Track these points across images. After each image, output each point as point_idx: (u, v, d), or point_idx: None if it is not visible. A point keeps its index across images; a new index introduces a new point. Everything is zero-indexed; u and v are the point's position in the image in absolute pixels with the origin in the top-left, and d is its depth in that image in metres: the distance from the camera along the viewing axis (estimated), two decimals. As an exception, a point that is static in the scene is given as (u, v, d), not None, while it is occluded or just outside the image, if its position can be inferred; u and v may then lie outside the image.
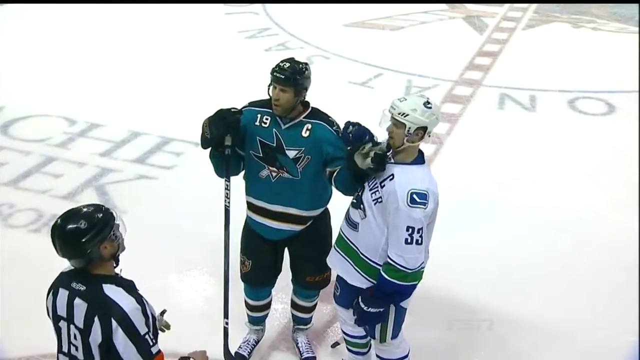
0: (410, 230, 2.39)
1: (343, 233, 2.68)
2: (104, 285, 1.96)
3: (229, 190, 2.84)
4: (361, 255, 2.59)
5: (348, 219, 2.65)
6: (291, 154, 2.68)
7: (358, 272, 2.62)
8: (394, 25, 7.68)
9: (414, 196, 2.39)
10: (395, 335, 2.70)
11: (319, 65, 6.55)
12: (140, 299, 1.99)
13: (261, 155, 2.73)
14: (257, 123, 2.72)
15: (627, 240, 3.98)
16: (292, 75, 2.60)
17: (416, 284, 2.53)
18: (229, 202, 2.86)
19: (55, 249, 1.97)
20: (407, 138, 2.44)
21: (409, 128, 2.41)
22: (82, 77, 6.27)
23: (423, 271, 2.52)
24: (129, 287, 2.01)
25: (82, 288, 1.95)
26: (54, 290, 2.03)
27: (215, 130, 2.69)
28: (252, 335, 3.21)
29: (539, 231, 4.04)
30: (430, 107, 2.44)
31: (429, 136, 2.49)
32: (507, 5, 8.23)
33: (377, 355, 2.82)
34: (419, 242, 2.41)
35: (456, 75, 6.28)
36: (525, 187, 4.48)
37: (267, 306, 3.16)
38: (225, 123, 2.68)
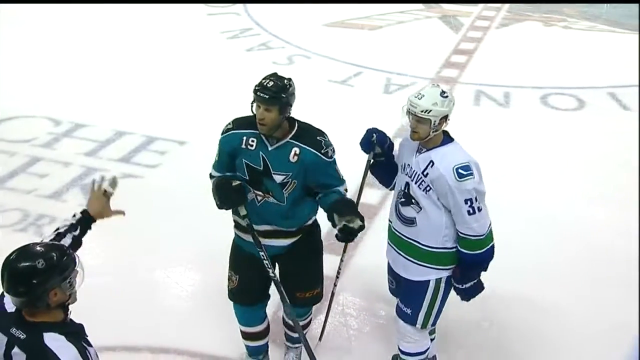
0: (469, 202, 2.46)
1: (398, 231, 2.67)
2: (45, 334, 1.77)
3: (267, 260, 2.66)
4: (424, 247, 2.59)
5: (400, 216, 2.63)
6: (278, 178, 2.53)
7: (424, 265, 2.62)
8: (373, 24, 7.68)
9: (460, 170, 2.45)
10: (434, 323, 2.74)
11: (300, 64, 6.54)
12: (83, 350, 1.80)
13: (247, 178, 2.57)
14: (244, 146, 2.55)
15: (600, 232, 3.98)
16: (276, 94, 2.44)
17: (494, 245, 2.57)
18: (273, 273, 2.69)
19: (2, 281, 1.77)
20: (434, 130, 2.48)
21: (434, 121, 2.45)
22: (66, 78, 6.18)
23: (492, 233, 2.58)
24: (74, 335, 1.83)
25: (22, 336, 1.77)
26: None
27: (226, 206, 2.60)
28: None
29: (514, 225, 4.01)
30: (447, 96, 2.49)
31: (448, 120, 2.52)
32: (481, 5, 8.27)
33: (402, 351, 2.79)
34: (480, 209, 2.47)
35: (433, 73, 6.30)
36: (502, 181, 4.51)
37: (265, 333, 2.94)
38: (231, 202, 2.56)
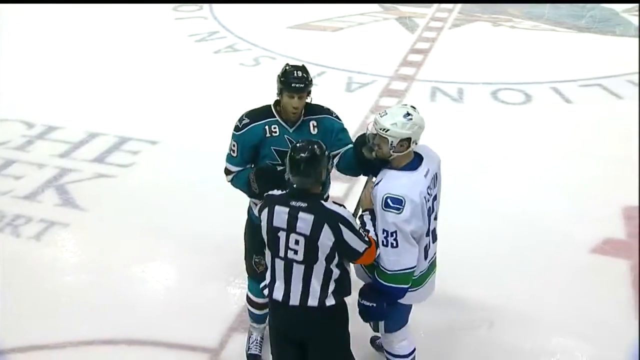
0: (385, 233, 2.32)
1: None
2: (321, 201, 2.27)
3: None
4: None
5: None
6: None
7: (363, 269, 2.55)
8: (334, 26, 7.67)
9: (388, 200, 2.30)
10: (390, 330, 2.61)
11: (266, 65, 6.48)
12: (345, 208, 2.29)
13: (280, 162, 2.55)
14: (268, 135, 2.57)
15: (554, 220, 3.96)
16: (307, 82, 2.53)
17: (403, 288, 2.40)
18: None
19: (295, 170, 2.22)
20: (393, 150, 2.35)
21: (392, 141, 2.33)
22: (38, 81, 6.02)
23: (408, 277, 2.40)
24: (333, 202, 2.31)
25: (304, 204, 2.21)
26: (268, 208, 2.26)
27: (264, 188, 2.51)
28: (258, 334, 3.02)
29: (467, 217, 3.96)
30: (410, 119, 2.34)
31: (415, 144, 2.39)
32: (434, 7, 8.33)
33: (386, 351, 2.69)
34: (394, 245, 2.31)
35: (392, 72, 6.32)
36: (457, 172, 4.56)
37: None
38: (272, 184, 2.48)
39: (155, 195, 4.25)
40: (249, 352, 3.00)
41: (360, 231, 2.27)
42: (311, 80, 2.56)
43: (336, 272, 2.26)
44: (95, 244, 3.85)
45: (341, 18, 7.88)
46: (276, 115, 2.59)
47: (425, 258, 2.50)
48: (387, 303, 2.43)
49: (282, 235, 2.23)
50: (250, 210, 2.77)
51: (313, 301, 2.25)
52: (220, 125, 5.14)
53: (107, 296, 3.39)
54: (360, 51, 6.87)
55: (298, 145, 2.28)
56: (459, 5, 8.41)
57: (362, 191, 2.52)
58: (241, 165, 2.64)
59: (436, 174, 2.48)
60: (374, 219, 2.37)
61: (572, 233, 3.85)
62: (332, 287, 2.26)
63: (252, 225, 2.76)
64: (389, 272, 2.37)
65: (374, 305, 2.43)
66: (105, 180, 4.49)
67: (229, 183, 2.71)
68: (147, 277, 3.60)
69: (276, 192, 2.33)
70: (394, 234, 2.31)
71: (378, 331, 2.71)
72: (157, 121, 5.24)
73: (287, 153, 2.41)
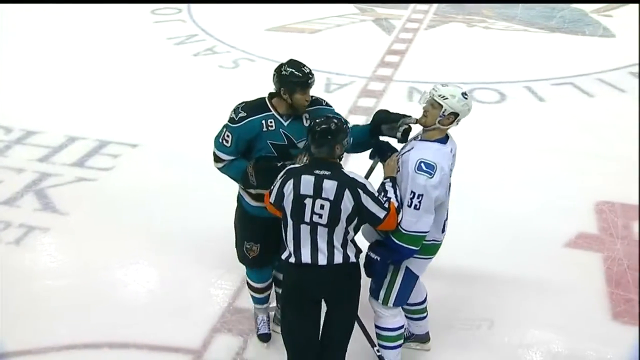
0: (412, 194, 2.46)
1: None
2: (342, 169, 2.43)
3: None
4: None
5: None
6: (302, 144, 2.65)
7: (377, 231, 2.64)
8: (312, 28, 7.66)
9: (422, 164, 2.46)
10: (397, 304, 2.71)
11: (245, 67, 6.46)
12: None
13: (275, 154, 2.64)
14: (265, 129, 2.62)
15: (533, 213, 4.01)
16: (314, 77, 2.61)
17: (412, 250, 2.52)
18: None
19: (313, 140, 2.39)
20: (440, 120, 2.51)
21: (444, 110, 2.49)
22: (15, 85, 5.91)
23: (432, 245, 2.59)
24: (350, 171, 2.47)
25: (328, 172, 2.39)
26: (294, 179, 2.41)
27: (263, 182, 2.59)
28: (263, 314, 3.10)
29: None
30: (466, 98, 2.53)
31: (457, 124, 2.56)
32: (410, 8, 8.38)
33: (375, 325, 2.79)
34: (417, 207, 2.46)
35: (369, 72, 6.34)
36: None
37: (272, 284, 3.06)
38: (271, 179, 2.53)
39: (135, 199, 4.20)
40: (259, 332, 3.09)
41: (380, 198, 2.44)
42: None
43: (351, 234, 2.46)
44: (75, 248, 3.79)
45: (319, 20, 7.88)
46: (272, 110, 2.63)
47: (443, 231, 2.66)
48: (393, 261, 2.58)
49: (308, 201, 2.39)
50: (240, 198, 2.80)
51: (338, 259, 2.43)
52: (200, 128, 5.12)
53: (89, 300, 3.33)
54: (338, 53, 6.88)
55: (319, 119, 2.44)
56: (434, 7, 8.47)
57: (374, 161, 2.72)
58: (233, 155, 2.66)
59: (454, 155, 2.64)
60: (394, 187, 2.51)
61: (547, 228, 3.89)
62: (349, 247, 2.45)
63: (243, 213, 2.81)
64: (404, 232, 2.49)
65: (378, 259, 2.56)
66: (85, 184, 4.43)
67: (218, 169, 2.72)
68: (129, 280, 3.56)
69: (296, 165, 2.50)
70: (420, 197, 2.45)
71: (381, 301, 2.69)
72: (137, 124, 5.18)
73: (282, 146, 2.60)
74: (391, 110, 2.77)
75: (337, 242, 2.42)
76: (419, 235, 2.51)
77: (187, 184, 4.32)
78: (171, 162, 4.66)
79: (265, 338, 3.07)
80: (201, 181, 4.33)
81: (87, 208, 4.16)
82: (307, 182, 2.40)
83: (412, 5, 8.47)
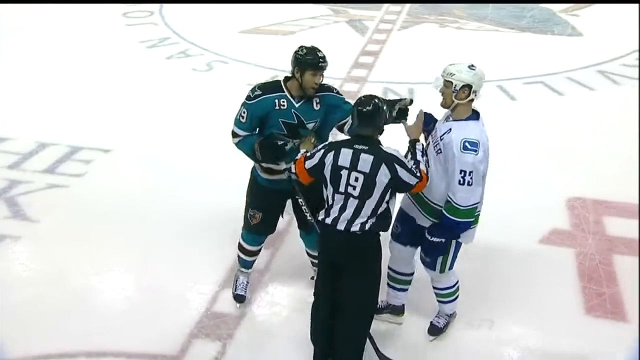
0: (463, 173, 2.64)
1: None
2: (379, 145, 2.62)
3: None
4: (425, 199, 2.81)
5: None
6: (310, 126, 2.90)
7: (423, 214, 2.85)
8: (286, 30, 7.66)
9: (466, 144, 2.64)
10: (451, 267, 2.94)
11: (218, 70, 6.42)
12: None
13: (285, 132, 2.87)
14: (277, 107, 2.85)
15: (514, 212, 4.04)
16: (327, 63, 2.82)
17: (469, 222, 2.75)
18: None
19: (359, 120, 2.61)
20: (455, 95, 2.70)
21: (455, 85, 2.68)
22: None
23: (477, 214, 2.77)
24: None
25: (366, 147, 2.58)
26: (335, 151, 2.60)
27: (267, 158, 2.89)
28: (244, 278, 3.31)
29: None
30: (473, 69, 2.71)
31: (475, 95, 2.72)
32: (383, 9, 8.44)
33: (435, 287, 3.03)
34: (470, 183, 2.65)
35: (344, 73, 6.36)
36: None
37: (260, 251, 3.29)
38: (274, 156, 2.85)
39: (108, 204, 4.14)
40: (235, 292, 3.28)
41: (412, 168, 2.63)
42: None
43: (383, 207, 2.62)
44: (48, 256, 3.72)
45: (292, 22, 7.88)
46: (285, 91, 2.88)
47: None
48: (453, 238, 2.81)
49: (344, 173, 2.58)
50: (254, 169, 3.08)
51: (355, 227, 2.59)
52: (174, 132, 5.09)
53: (63, 308, 3.27)
54: (312, 54, 6.88)
55: (362, 99, 2.64)
56: (406, 8, 8.54)
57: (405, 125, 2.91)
58: (248, 131, 2.90)
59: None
60: (422, 150, 2.73)
61: (520, 224, 3.95)
62: (374, 220, 2.61)
63: (254, 183, 3.09)
64: (461, 208, 2.69)
65: (442, 240, 2.81)
66: (57, 190, 4.35)
67: (235, 145, 2.95)
68: (104, 287, 3.50)
69: (339, 139, 2.70)
70: (471, 174, 2.65)
71: (438, 270, 2.92)
72: (110, 129, 5.11)
73: (292, 125, 2.84)
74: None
75: (365, 214, 2.59)
76: (474, 206, 2.71)
77: (160, 189, 4.27)
78: (145, 166, 4.61)
79: (240, 299, 3.26)
80: (175, 185, 4.30)
81: (59, 215, 4.08)
82: (345, 155, 2.58)
83: (385, 6, 8.54)
